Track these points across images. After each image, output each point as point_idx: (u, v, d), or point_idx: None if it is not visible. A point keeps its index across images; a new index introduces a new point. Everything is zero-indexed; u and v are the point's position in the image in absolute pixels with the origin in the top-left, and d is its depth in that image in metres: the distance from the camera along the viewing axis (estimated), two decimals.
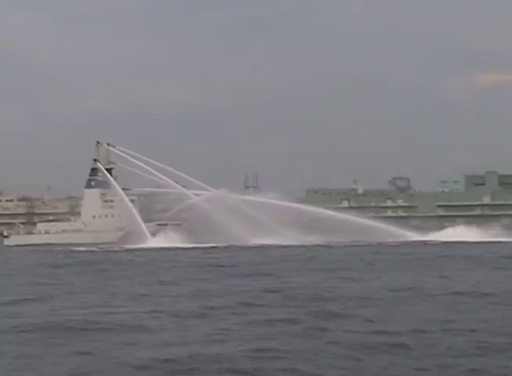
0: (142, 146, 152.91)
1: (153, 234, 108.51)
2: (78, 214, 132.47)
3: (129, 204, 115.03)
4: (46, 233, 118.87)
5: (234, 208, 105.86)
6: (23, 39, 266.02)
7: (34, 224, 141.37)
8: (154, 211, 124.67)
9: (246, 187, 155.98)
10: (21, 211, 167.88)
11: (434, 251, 75.16)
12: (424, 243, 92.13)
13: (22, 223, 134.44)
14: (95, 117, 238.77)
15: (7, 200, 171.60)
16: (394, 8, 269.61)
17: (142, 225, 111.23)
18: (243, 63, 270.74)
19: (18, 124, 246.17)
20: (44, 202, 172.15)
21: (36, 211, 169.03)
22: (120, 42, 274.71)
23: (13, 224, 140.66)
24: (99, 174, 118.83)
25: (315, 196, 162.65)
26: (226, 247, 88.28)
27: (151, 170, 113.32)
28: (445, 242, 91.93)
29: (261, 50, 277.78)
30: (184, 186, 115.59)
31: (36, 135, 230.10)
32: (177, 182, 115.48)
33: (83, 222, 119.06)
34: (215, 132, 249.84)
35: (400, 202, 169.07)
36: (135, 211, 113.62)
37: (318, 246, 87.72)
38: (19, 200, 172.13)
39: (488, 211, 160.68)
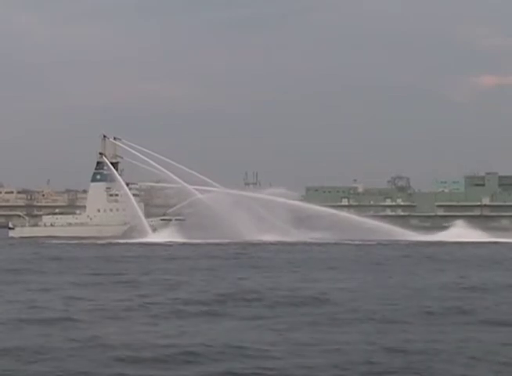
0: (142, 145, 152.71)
1: (155, 229, 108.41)
2: (78, 207, 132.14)
3: (131, 198, 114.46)
4: (51, 225, 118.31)
5: (239, 205, 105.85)
6: (23, 39, 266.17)
7: (34, 216, 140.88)
8: (155, 206, 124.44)
9: (246, 184, 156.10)
10: (21, 203, 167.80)
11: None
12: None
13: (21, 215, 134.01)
14: (94, 115, 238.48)
15: (7, 192, 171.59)
16: (394, 8, 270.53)
17: (144, 219, 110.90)
18: (244, 63, 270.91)
19: (19, 120, 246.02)
20: (43, 195, 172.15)
21: (35, 203, 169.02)
22: (120, 42, 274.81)
23: (13, 216, 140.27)
24: (105, 168, 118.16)
25: (315, 194, 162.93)
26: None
27: (155, 164, 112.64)
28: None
29: (262, 50, 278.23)
30: (185, 181, 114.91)
31: (35, 131, 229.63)
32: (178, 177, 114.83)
33: (88, 216, 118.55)
34: (215, 131, 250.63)
35: (399, 201, 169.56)
36: (136, 206, 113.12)
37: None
38: (19, 192, 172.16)
39: (487, 212, 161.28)
